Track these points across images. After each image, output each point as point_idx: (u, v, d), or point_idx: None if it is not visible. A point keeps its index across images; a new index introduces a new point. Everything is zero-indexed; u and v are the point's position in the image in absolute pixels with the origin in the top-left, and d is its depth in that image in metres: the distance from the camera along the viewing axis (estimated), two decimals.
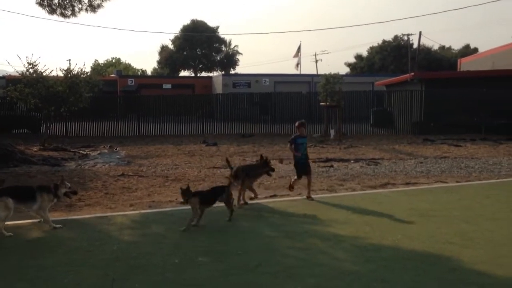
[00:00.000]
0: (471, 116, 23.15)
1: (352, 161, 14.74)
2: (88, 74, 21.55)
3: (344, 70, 64.32)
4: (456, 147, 18.49)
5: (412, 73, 28.03)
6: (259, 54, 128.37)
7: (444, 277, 5.01)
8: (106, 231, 6.91)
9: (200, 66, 65.31)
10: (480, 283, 4.82)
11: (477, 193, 9.71)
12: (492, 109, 22.91)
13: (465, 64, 33.61)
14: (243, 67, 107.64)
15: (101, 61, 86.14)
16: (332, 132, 23.29)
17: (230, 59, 65.71)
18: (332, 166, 13.74)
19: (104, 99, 30.19)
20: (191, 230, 6.80)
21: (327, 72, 24.33)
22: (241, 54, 68.35)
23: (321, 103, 23.94)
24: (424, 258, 5.64)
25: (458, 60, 36.89)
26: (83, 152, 17.76)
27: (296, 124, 9.67)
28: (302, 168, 9.27)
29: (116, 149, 19.10)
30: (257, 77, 45.79)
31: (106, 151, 18.56)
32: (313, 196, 9.13)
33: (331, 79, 23.56)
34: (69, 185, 7.24)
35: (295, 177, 9.42)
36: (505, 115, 22.74)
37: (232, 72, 61.85)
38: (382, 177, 11.87)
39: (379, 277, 4.98)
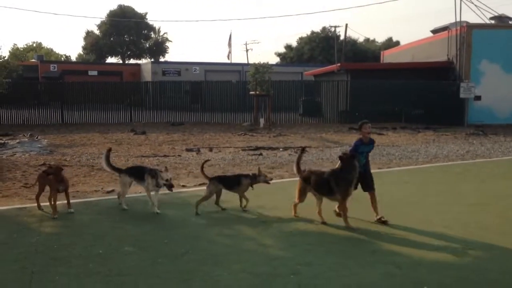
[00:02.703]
0: (393, 105, 24.25)
1: (281, 149, 14.99)
2: (5, 58, 20.24)
3: (275, 59, 65.06)
4: (379, 135, 19.32)
5: (339, 64, 28.83)
6: (189, 42, 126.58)
7: (365, 258, 5.24)
8: (25, 223, 6.57)
9: (128, 53, 63.37)
10: (397, 262, 5.09)
11: (397, 179, 10.22)
12: (412, 99, 24.13)
13: (388, 56, 35.04)
14: (173, 55, 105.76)
15: (21, 45, 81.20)
16: (261, 121, 23.52)
17: (159, 47, 64.29)
18: (261, 154, 13.89)
19: (24, 85, 28.49)
20: (116, 220, 6.64)
21: (258, 61, 24.44)
22: (171, 41, 67.17)
23: (251, 92, 24.07)
24: (347, 242, 5.88)
25: (381, 52, 38.39)
26: (0, 141, 16.71)
27: (359, 124, 7.22)
28: (366, 181, 6.82)
29: (37, 137, 18.16)
30: (187, 66, 45.18)
31: (26, 139, 17.58)
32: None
33: (261, 68, 23.68)
34: None
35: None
36: (423, 105, 24.04)
37: (162, 59, 60.59)
38: (310, 164, 12.15)
39: (304, 261, 5.13)
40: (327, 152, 14.51)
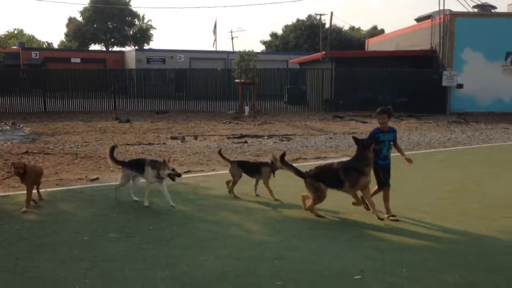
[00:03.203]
0: (377, 94, 24.42)
1: (265, 137, 15.05)
2: None
3: (260, 47, 64.88)
4: (363, 123, 19.49)
5: (324, 52, 28.88)
6: (174, 29, 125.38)
7: (348, 243, 5.35)
8: (9, 210, 6.55)
9: (112, 40, 62.55)
10: (378, 246, 5.21)
11: None
12: (395, 88, 24.34)
13: (372, 45, 35.18)
14: (158, 42, 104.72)
15: (2, 32, 79.75)
16: (246, 108, 23.53)
17: (144, 34, 63.59)
18: (246, 142, 13.94)
19: (5, 72, 28.01)
20: (101, 207, 6.66)
21: (243, 49, 24.35)
22: (155, 29, 66.52)
23: (236, 80, 24.03)
24: (331, 227, 5.98)
25: (366, 40, 38.54)
26: None
27: (377, 111, 6.63)
28: (384, 175, 6.46)
29: (19, 125, 17.95)
30: (172, 53, 44.83)
31: (8, 127, 17.37)
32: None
33: (246, 56, 23.62)
34: None
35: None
36: (407, 93, 24.26)
37: (146, 47, 59.99)
38: (294, 152, 12.26)
39: (288, 246, 5.21)
40: (311, 139, 14.62)
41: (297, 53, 45.51)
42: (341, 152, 12.30)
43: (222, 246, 5.16)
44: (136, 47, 56.13)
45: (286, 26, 63.17)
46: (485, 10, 27.87)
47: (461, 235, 5.59)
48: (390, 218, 6.17)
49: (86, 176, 8.86)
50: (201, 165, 10.36)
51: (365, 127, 18.12)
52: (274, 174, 7.24)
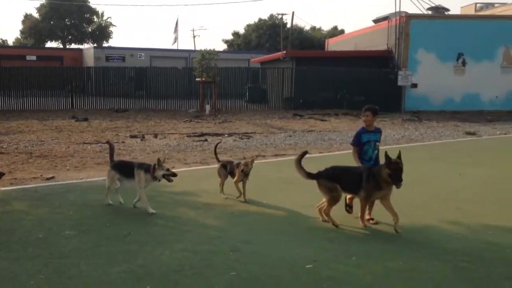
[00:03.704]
0: (336, 93, 24.96)
1: (226, 135, 15.16)
2: None
3: (222, 46, 64.81)
4: (322, 121, 19.90)
5: (284, 52, 29.23)
6: (135, 27, 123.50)
7: (301, 235, 5.54)
8: None
9: (70, 37, 61.05)
10: (330, 237, 5.43)
11: (336, 162, 10.60)
12: (353, 87, 24.93)
13: (332, 45, 35.85)
14: (117, 40, 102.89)
15: None
16: (207, 107, 23.57)
17: (103, 31, 62.40)
18: (206, 140, 14.01)
19: None
20: (56, 205, 6.62)
21: (205, 48, 24.38)
22: (115, 26, 65.31)
23: (197, 79, 24.03)
24: (286, 220, 6.17)
25: (326, 40, 39.20)
26: None
27: (363, 109, 6.47)
28: None
29: None
30: (132, 51, 44.25)
31: None
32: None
33: (207, 55, 23.66)
34: None
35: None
36: (364, 92, 24.87)
37: (105, 45, 58.88)
38: (254, 149, 12.43)
39: (243, 239, 5.36)
40: (271, 137, 14.83)
41: (259, 52, 45.79)
42: (299, 149, 12.54)
43: (178, 241, 5.25)
44: (95, 45, 55.05)
45: (248, 25, 63.41)
46: (438, 12, 28.91)
47: (408, 226, 5.87)
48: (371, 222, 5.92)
49: (41, 175, 8.74)
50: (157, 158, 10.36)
51: (324, 125, 18.53)
52: (247, 176, 6.88)
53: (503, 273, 4.48)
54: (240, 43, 62.87)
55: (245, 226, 5.85)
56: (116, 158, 7.16)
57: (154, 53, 44.86)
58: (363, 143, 6.14)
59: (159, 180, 6.25)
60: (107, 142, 7.50)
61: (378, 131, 6.32)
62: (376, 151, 6.21)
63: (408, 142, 14.11)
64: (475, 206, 6.88)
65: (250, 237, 5.43)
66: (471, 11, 39.88)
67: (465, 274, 4.46)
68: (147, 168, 6.28)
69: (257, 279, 4.28)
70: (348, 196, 6.17)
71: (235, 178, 6.99)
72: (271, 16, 61.49)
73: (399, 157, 5.60)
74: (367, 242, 5.29)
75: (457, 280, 4.33)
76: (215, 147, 8.05)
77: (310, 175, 5.97)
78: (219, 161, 7.47)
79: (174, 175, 6.24)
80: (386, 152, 5.63)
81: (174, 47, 52.52)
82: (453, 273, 4.49)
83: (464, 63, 25.55)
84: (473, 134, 16.12)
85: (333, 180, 5.79)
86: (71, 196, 7.17)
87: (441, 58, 25.27)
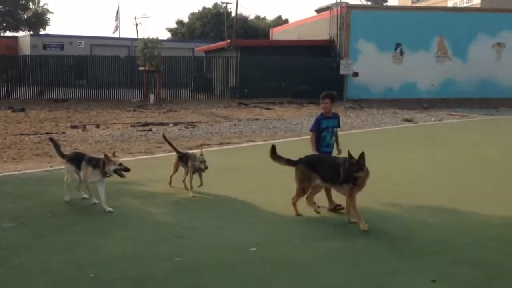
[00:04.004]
0: (280, 81, 25.25)
1: (171, 125, 15.06)
2: None
3: (166, 35, 63.74)
4: (267, 110, 20.14)
5: (229, 41, 29.20)
6: (73, 14, 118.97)
7: (244, 221, 5.67)
8: None
9: (4, 24, 57.97)
10: (273, 220, 5.60)
11: (280, 150, 10.82)
12: (297, 76, 25.31)
13: (276, 34, 36.13)
14: (55, 27, 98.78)
15: None
16: (151, 96, 23.22)
17: (39, 18, 59.65)
18: (150, 130, 13.87)
19: None
20: None
21: (147, 36, 23.90)
22: (52, 13, 62.56)
23: (140, 68, 23.59)
24: (230, 206, 6.28)
25: (270, 29, 39.46)
26: None
27: (321, 96, 6.40)
28: None
29: None
30: (71, 39, 42.72)
31: None
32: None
33: (150, 44, 23.23)
34: None
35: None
36: (308, 81, 25.34)
37: (42, 32, 56.38)
38: (199, 138, 12.45)
39: (188, 226, 5.42)
40: (216, 126, 14.88)
41: (203, 41, 45.46)
42: (244, 138, 12.70)
43: (122, 229, 5.24)
44: (31, 32, 52.62)
45: (192, 14, 62.64)
46: (377, 3, 29.84)
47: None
48: (337, 208, 5.95)
49: None
50: (103, 153, 10.18)
51: (268, 114, 18.77)
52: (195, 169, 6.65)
53: (432, 250, 4.80)
54: (184, 31, 62.07)
55: (189, 214, 5.91)
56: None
57: (94, 41, 43.50)
58: (322, 129, 6.22)
59: (110, 175, 5.94)
60: (50, 140, 6.99)
61: (336, 117, 6.41)
62: (333, 137, 6.30)
63: (350, 129, 14.58)
64: (410, 188, 7.26)
65: (195, 224, 5.50)
66: (408, 2, 41.28)
67: (398, 252, 4.75)
68: (96, 164, 5.93)
69: (202, 263, 4.37)
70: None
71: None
72: (215, 4, 61.06)
73: (361, 158, 5.34)
74: (308, 225, 5.50)
75: (392, 257, 4.61)
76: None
77: (290, 162, 5.96)
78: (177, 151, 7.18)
79: (127, 170, 5.91)
80: (349, 151, 5.58)
81: (116, 35, 51.20)
82: (388, 250, 4.76)
83: (402, 53, 26.54)
84: (410, 121, 16.86)
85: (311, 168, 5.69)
86: (8, 188, 6.95)
87: (380, 47, 26.10)
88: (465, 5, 32.82)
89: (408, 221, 5.69)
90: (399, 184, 7.46)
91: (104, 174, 5.89)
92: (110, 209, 5.82)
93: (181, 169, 7.06)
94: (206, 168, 6.63)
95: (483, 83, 27.11)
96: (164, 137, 7.78)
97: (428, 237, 5.13)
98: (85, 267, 4.21)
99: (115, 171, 5.86)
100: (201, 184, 6.81)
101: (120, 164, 5.93)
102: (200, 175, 6.80)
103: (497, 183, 7.58)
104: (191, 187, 6.68)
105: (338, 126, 6.46)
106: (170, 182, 7.05)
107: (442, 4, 35.69)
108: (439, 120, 17.32)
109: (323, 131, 6.21)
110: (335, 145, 6.42)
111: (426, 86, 26.65)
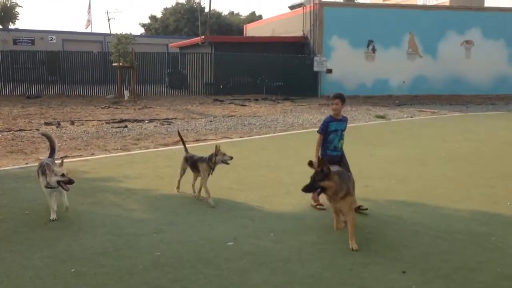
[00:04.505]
0: (255, 78, 25.42)
1: (146, 121, 15.04)
2: None
3: (139, 30, 63.13)
4: (242, 106, 20.26)
5: (203, 37, 29.16)
6: (44, 8, 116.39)
7: (222, 215, 5.80)
8: None
9: None
10: (250, 215, 5.74)
11: (256, 146, 11.02)
12: (272, 72, 25.53)
13: (250, 30, 36.25)
14: (25, 22, 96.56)
15: None
16: (126, 93, 23.08)
17: (8, 12, 58.21)
18: (126, 126, 13.83)
19: None
20: None
21: (121, 32, 23.69)
22: (21, 7, 61.21)
23: (114, 64, 23.38)
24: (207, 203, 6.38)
25: (244, 26, 39.53)
26: None
27: (331, 96, 6.17)
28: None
29: None
30: (42, 34, 41.91)
31: None
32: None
33: (123, 39, 23.04)
34: None
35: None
36: (282, 77, 25.60)
37: (12, 27, 55.09)
38: (175, 135, 12.47)
39: (167, 221, 5.52)
40: (192, 123, 14.94)
41: (177, 37, 45.24)
42: (220, 134, 12.80)
43: (101, 225, 5.30)
44: (0, 27, 51.36)
45: (166, 9, 62.17)
46: (349, 0, 30.20)
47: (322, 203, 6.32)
48: (318, 206, 5.97)
49: None
50: (79, 150, 10.18)
51: (244, 110, 18.89)
52: (212, 171, 6.30)
53: (402, 242, 5.02)
54: (158, 27, 61.54)
55: (168, 209, 6.00)
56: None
57: (66, 36, 42.79)
58: (330, 131, 5.91)
59: (55, 187, 5.34)
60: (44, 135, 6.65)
61: (345, 120, 6.07)
62: (341, 141, 6.02)
63: None
64: (382, 183, 7.50)
65: (173, 219, 5.60)
66: (379, 0, 41.89)
67: (370, 245, 4.95)
68: (43, 171, 5.41)
69: (181, 258, 4.48)
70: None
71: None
72: (189, 0, 60.73)
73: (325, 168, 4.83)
74: (284, 219, 5.66)
75: (364, 250, 4.80)
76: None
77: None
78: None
79: (70, 182, 5.30)
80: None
81: (88, 30, 50.43)
82: (360, 244, 4.95)
83: (374, 50, 27.01)
84: (383, 117, 17.23)
85: None
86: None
87: (353, 44, 26.51)
88: (434, 2, 33.51)
89: (380, 215, 5.90)
90: (372, 179, 7.69)
91: (48, 184, 5.32)
92: (55, 217, 5.44)
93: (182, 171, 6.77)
94: (231, 158, 6.23)
95: (452, 80, 27.85)
96: (179, 134, 7.53)
97: (399, 231, 5.35)
98: (66, 263, 4.28)
99: (59, 183, 5.27)
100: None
101: (63, 175, 5.26)
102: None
103: (465, 178, 7.90)
104: (209, 193, 6.18)
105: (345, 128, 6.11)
106: (178, 187, 6.73)
107: (412, 2, 36.37)
108: (411, 117, 17.74)
109: (331, 134, 5.91)
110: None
111: (398, 83, 27.22)
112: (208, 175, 6.28)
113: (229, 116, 16.83)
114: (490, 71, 28.39)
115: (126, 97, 22.55)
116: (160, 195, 6.63)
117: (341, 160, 5.96)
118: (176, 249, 4.67)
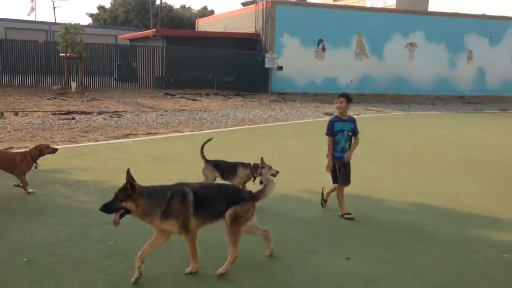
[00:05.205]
0: (207, 73, 25.42)
1: (95, 114, 14.79)
2: None
3: (87, 20, 61.34)
4: (193, 101, 20.24)
5: (154, 30, 28.80)
6: None
7: None
8: None
9: None
10: None
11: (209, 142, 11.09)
12: (223, 68, 25.61)
13: (202, 25, 36.11)
14: None
15: None
16: (73, 84, 22.49)
17: None
18: (74, 118, 13.56)
19: None
20: None
21: (67, 21, 22.99)
22: None
23: (61, 54, 22.68)
24: None
25: (196, 20, 39.33)
26: None
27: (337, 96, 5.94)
28: (340, 171, 5.86)
29: None
30: None
31: None
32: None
33: (71, 29, 22.40)
34: None
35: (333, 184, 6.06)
36: (234, 73, 25.74)
37: None
38: (125, 128, 12.39)
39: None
40: (142, 116, 14.82)
41: (127, 29, 44.39)
42: (171, 128, 12.81)
43: (52, 216, 5.28)
44: None
45: (115, 0, 60.73)
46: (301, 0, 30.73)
47: (275, 197, 6.52)
48: (345, 215, 5.75)
49: None
50: (24, 141, 9.92)
51: (195, 105, 18.92)
52: (254, 180, 6.05)
53: (346, 233, 5.33)
54: (106, 18, 60.07)
55: None
56: None
57: (9, 24, 40.99)
58: (336, 132, 5.73)
59: None
60: None
61: (352, 120, 5.85)
62: (349, 142, 5.78)
63: (275, 122, 15.12)
64: (329, 177, 7.81)
65: None
66: (330, 1, 42.79)
67: (316, 235, 5.23)
68: None
69: (134, 247, 4.53)
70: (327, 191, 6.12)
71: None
72: None
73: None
74: None
75: (311, 239, 5.06)
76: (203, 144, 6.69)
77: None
78: (205, 159, 6.50)
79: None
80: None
81: (32, 18, 48.52)
82: (308, 233, 5.23)
83: (323, 49, 27.65)
84: (331, 114, 17.68)
85: None
86: None
87: (304, 43, 27.03)
88: (381, 5, 34.68)
89: (327, 208, 6.18)
90: (320, 173, 7.98)
91: None
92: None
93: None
94: (278, 172, 5.98)
95: (397, 80, 28.98)
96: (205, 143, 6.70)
97: (343, 222, 5.65)
98: (18, 252, 4.26)
99: None
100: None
101: None
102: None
103: (405, 174, 8.37)
104: None
105: (355, 133, 5.83)
106: None
107: (361, 4, 37.44)
108: (357, 115, 18.35)
109: (337, 134, 5.73)
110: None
111: (346, 82, 27.98)
112: (244, 182, 6.05)
113: (180, 110, 16.81)
114: (431, 73, 29.76)
115: (73, 89, 21.98)
116: (111, 187, 6.60)
117: (347, 164, 5.82)
118: (129, 239, 4.73)
